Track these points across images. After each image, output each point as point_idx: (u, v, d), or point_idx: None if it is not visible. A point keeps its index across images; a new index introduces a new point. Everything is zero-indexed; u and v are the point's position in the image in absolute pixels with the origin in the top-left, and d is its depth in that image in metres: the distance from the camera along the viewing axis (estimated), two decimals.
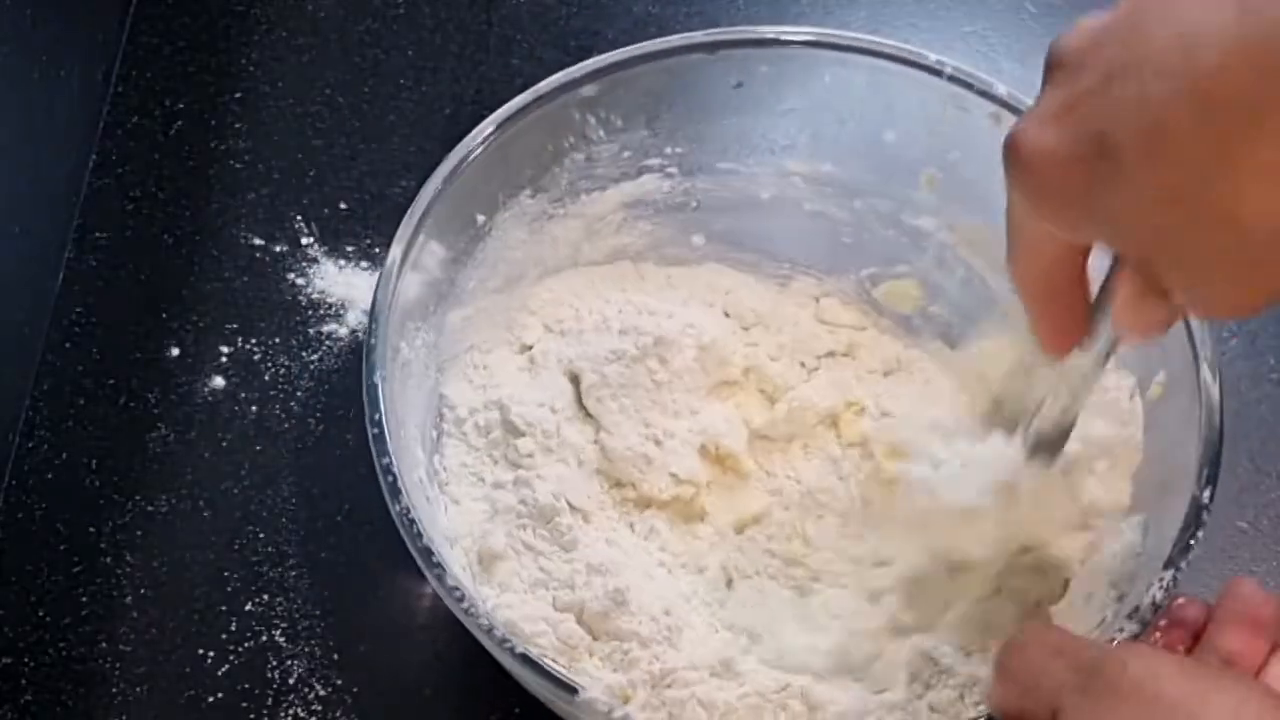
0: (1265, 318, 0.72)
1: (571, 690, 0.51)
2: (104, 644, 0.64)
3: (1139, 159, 0.39)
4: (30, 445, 0.68)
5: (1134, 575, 0.56)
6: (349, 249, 0.73)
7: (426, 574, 0.53)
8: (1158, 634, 0.51)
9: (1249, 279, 0.40)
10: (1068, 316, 0.49)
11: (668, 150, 0.65)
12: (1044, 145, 0.41)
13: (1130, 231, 0.41)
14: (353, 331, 0.71)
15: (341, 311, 0.72)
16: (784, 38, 0.63)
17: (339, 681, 0.63)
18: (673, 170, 0.66)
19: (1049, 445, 0.55)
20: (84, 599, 0.65)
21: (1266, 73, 0.36)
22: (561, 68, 0.63)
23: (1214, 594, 0.65)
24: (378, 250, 0.73)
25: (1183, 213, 0.39)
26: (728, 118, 0.65)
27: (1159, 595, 0.52)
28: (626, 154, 0.65)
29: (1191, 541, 0.53)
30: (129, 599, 0.65)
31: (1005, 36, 0.79)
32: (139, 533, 0.66)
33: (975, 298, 0.66)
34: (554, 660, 0.57)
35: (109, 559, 0.66)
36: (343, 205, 0.75)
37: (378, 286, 0.58)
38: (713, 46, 0.62)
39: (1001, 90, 0.61)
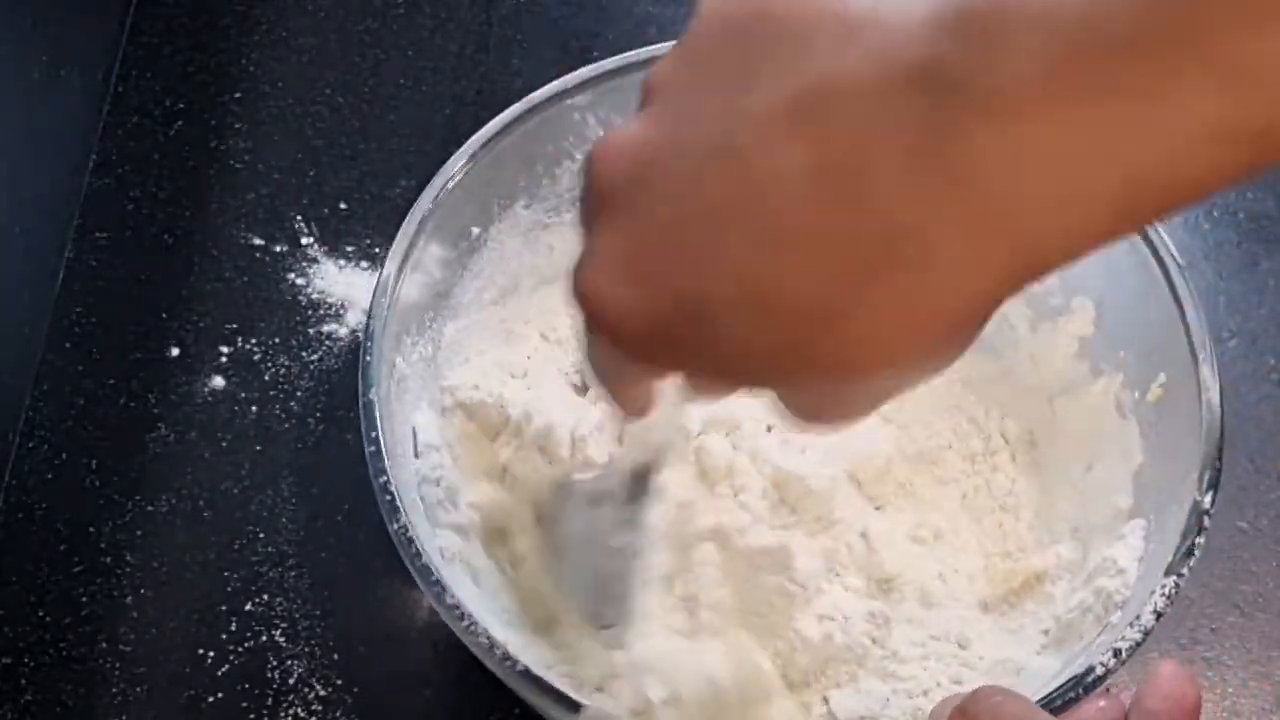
0: (1265, 319, 0.72)
1: (574, 707, 0.50)
2: (104, 644, 0.64)
3: (744, 322, 0.36)
4: (30, 445, 0.68)
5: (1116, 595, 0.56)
6: (349, 249, 0.73)
7: (425, 592, 0.52)
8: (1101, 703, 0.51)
9: (854, 409, 0.41)
10: (644, 401, 0.49)
11: None
12: (624, 307, 0.38)
13: (730, 376, 0.40)
14: (353, 331, 0.71)
15: (341, 311, 0.72)
16: None
17: (339, 681, 0.63)
18: None
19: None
20: (84, 599, 0.65)
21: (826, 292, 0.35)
22: (561, 67, 0.63)
23: (1213, 594, 0.65)
24: (378, 250, 0.73)
25: (796, 364, 0.37)
26: None
27: (1160, 603, 0.52)
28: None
29: (1193, 548, 0.53)
30: (129, 599, 0.65)
31: None
32: (139, 533, 0.66)
33: None
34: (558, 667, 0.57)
35: (109, 559, 0.66)
36: (343, 205, 0.75)
37: (372, 301, 0.58)
38: None
39: None
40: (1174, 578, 0.52)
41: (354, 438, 0.68)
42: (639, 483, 0.58)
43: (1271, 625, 0.65)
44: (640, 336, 0.38)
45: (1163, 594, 0.52)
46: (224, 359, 0.70)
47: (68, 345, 0.71)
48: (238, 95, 0.78)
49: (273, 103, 0.78)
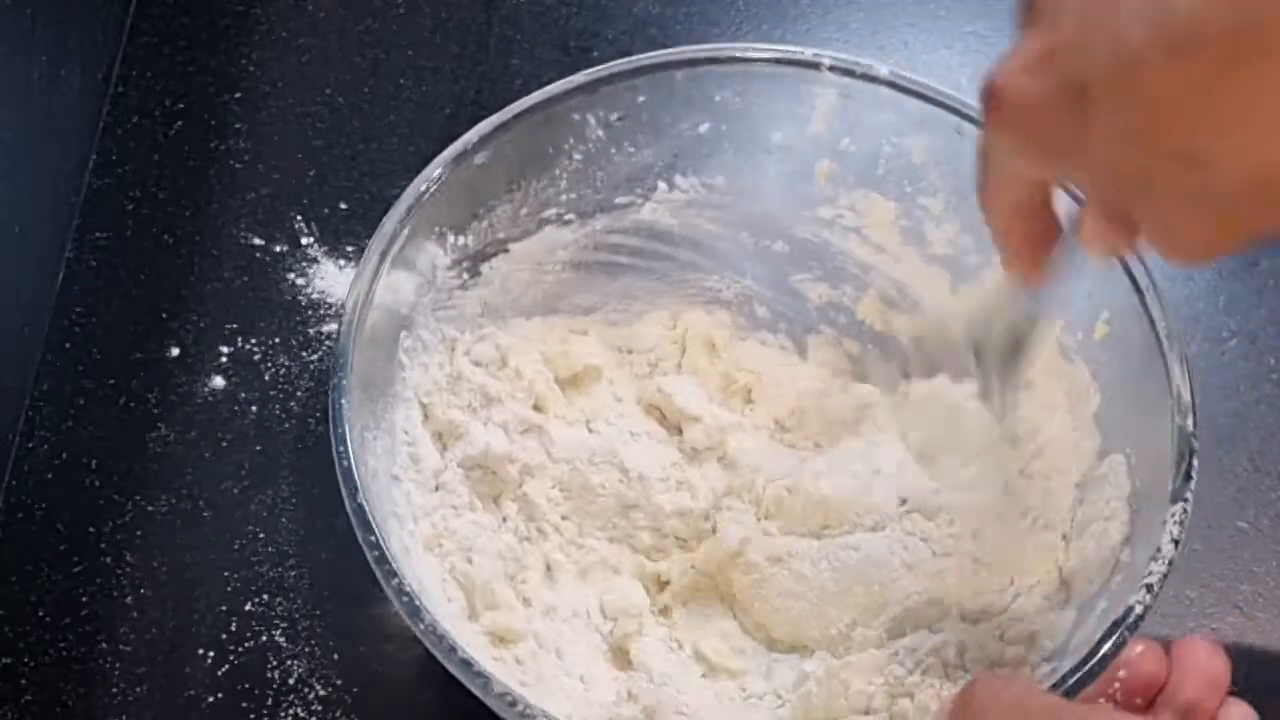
0: (1265, 319, 0.72)
1: None
2: (104, 644, 0.64)
3: (1114, 101, 0.39)
4: (30, 445, 0.68)
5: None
6: (349, 249, 0.73)
7: (440, 658, 0.51)
8: (1117, 685, 0.51)
9: (1217, 222, 0.41)
10: (1038, 234, 0.50)
11: (562, 198, 0.64)
12: (1023, 91, 0.42)
13: (1105, 172, 0.42)
14: None
15: (341, 311, 0.71)
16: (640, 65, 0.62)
17: (339, 681, 0.63)
18: (570, 217, 0.64)
19: (1002, 358, 0.56)
20: (84, 599, 0.65)
21: (1242, 14, 0.37)
22: (561, 68, 0.63)
23: (1213, 594, 0.65)
24: None
25: (1156, 153, 0.40)
26: (614, 156, 0.63)
27: (1175, 531, 0.52)
28: (524, 210, 0.63)
29: (1190, 470, 0.53)
30: (129, 599, 0.65)
31: (1005, 36, 0.79)
32: (139, 533, 0.66)
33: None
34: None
35: (109, 559, 0.66)
36: (343, 205, 0.75)
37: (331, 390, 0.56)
38: (593, 86, 0.61)
39: (884, 71, 0.61)
40: (1181, 504, 0.53)
41: None
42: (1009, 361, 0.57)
43: (1271, 625, 0.65)
44: (1029, 119, 0.42)
45: (1175, 521, 0.52)
46: (224, 359, 0.70)
47: (68, 345, 0.71)
48: (238, 95, 0.78)
49: (273, 103, 0.78)
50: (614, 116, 0.62)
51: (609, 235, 0.65)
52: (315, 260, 0.73)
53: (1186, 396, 0.54)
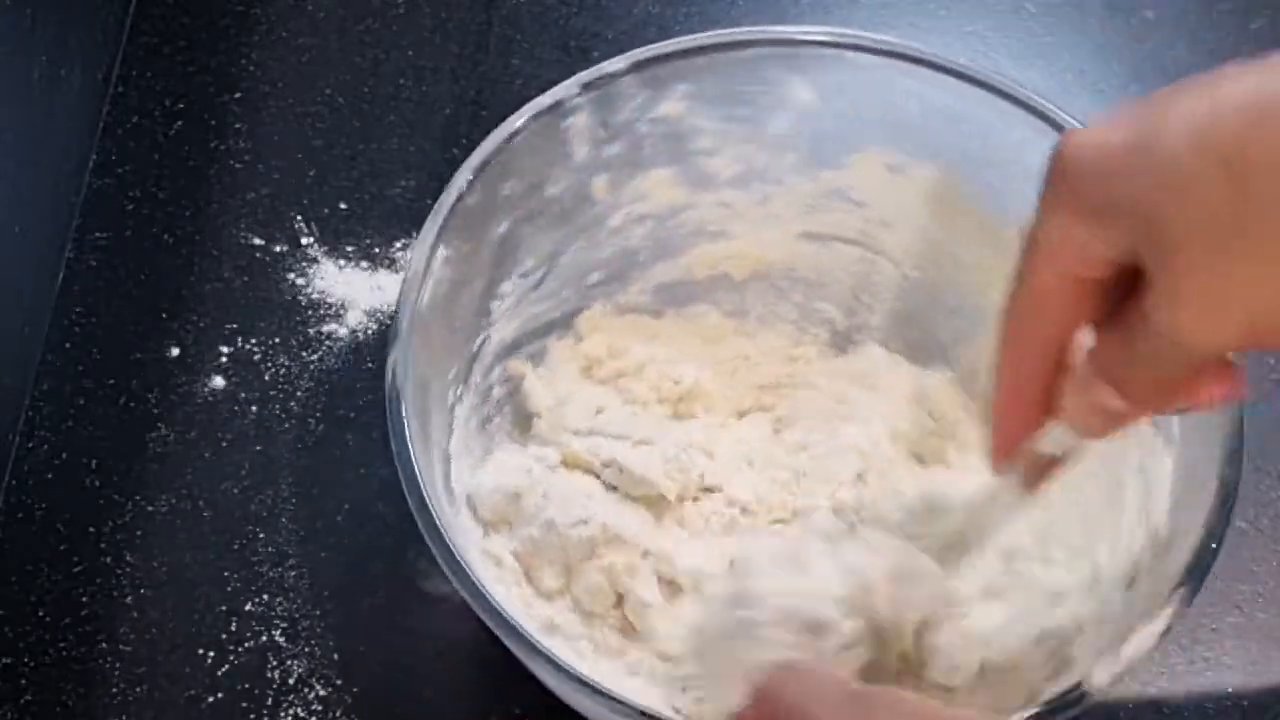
0: None
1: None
2: (104, 644, 0.64)
3: (1187, 162, 0.40)
4: (30, 445, 0.68)
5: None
6: (349, 249, 0.73)
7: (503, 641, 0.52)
8: None
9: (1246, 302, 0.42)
10: (1035, 391, 0.49)
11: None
12: (1094, 136, 0.43)
13: (1151, 216, 0.42)
14: (352, 331, 0.71)
15: (341, 311, 0.72)
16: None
17: (339, 681, 0.63)
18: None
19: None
20: (84, 599, 0.65)
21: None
22: (562, 68, 0.63)
23: (1213, 594, 0.65)
24: (378, 250, 0.73)
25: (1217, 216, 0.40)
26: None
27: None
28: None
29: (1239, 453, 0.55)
30: (129, 599, 0.65)
31: (1005, 36, 0.79)
32: (139, 533, 0.66)
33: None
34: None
35: (109, 559, 0.66)
36: (343, 205, 0.75)
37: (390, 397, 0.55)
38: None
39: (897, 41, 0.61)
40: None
41: (354, 438, 0.68)
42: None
43: (1271, 625, 0.65)
44: (1092, 158, 0.43)
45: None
46: (224, 359, 0.70)
47: (68, 345, 0.71)
48: (238, 95, 0.78)
49: (273, 103, 0.78)
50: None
51: None
52: (315, 260, 0.73)
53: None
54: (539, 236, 0.63)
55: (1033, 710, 0.49)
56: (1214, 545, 0.52)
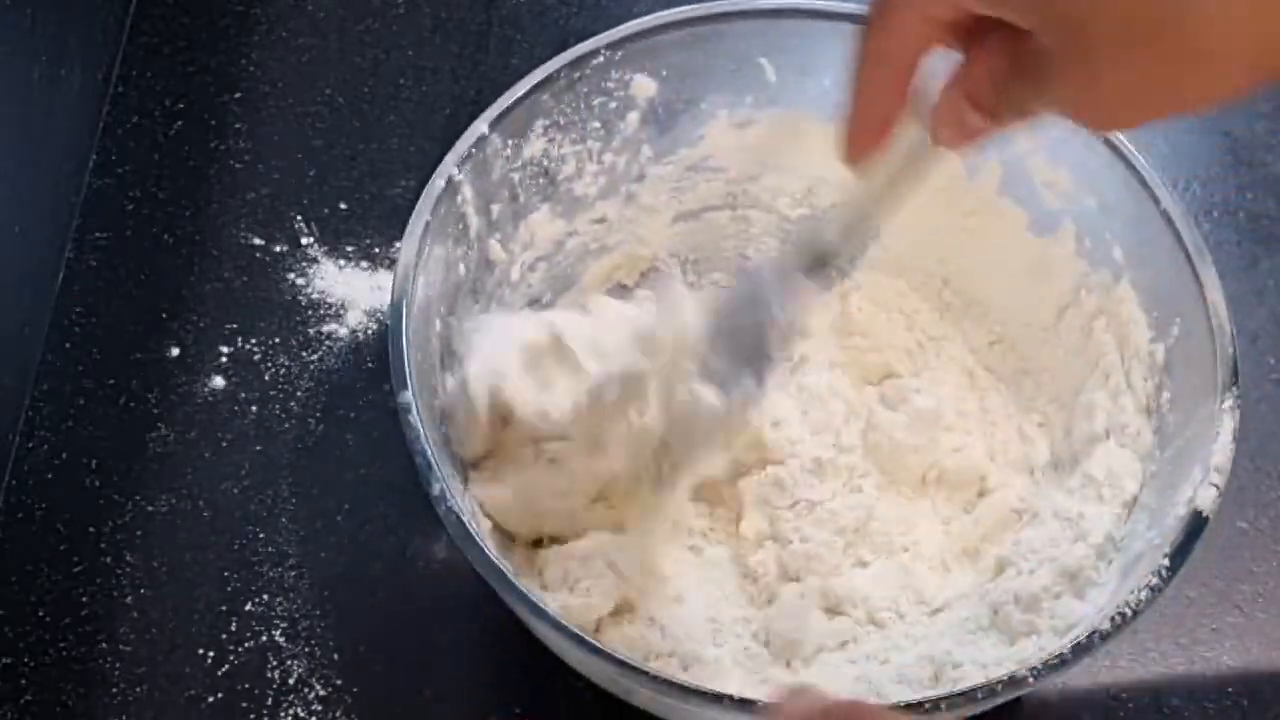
0: (1265, 319, 0.72)
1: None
2: (104, 644, 0.64)
3: None
4: (30, 445, 0.68)
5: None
6: (349, 249, 0.73)
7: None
8: None
9: (1158, 79, 0.42)
10: (884, 109, 0.49)
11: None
12: None
13: (1067, 13, 0.42)
14: (352, 331, 0.71)
15: (341, 311, 0.72)
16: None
17: (339, 681, 0.63)
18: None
19: (818, 262, 0.57)
20: (84, 599, 0.65)
21: None
22: None
23: (1213, 594, 0.65)
24: (378, 250, 0.73)
25: None
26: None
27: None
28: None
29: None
30: (129, 599, 0.65)
31: None
32: (139, 533, 0.66)
33: None
34: None
35: (109, 559, 0.66)
36: (343, 205, 0.75)
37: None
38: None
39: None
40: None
41: (354, 438, 0.68)
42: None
43: (1271, 625, 0.65)
44: None
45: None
46: (224, 359, 0.70)
47: (68, 345, 0.71)
48: (238, 95, 0.78)
49: (273, 103, 0.78)
50: None
51: None
52: (315, 260, 0.73)
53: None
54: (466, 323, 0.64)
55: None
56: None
